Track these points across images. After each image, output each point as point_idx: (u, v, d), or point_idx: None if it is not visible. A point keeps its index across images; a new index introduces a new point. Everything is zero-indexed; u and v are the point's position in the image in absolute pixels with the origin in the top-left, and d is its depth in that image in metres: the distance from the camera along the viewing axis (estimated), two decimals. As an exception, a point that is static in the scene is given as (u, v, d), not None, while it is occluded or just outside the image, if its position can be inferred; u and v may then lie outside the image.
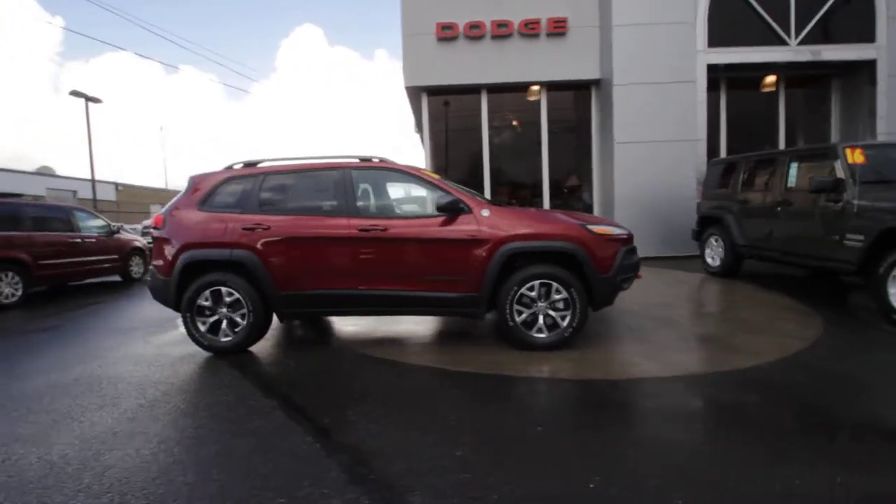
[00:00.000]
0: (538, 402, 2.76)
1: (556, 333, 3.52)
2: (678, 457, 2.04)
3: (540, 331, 3.55)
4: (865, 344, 3.58)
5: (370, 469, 1.99)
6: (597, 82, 8.85)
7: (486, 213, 3.56)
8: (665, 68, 8.13)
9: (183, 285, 3.71)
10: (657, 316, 4.51)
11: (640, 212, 8.12)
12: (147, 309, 5.66)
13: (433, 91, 9.01)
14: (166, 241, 3.80)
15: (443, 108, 9.32)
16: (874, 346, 3.51)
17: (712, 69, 8.40)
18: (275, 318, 3.83)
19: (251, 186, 3.81)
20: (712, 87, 8.60)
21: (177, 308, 3.80)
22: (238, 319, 3.69)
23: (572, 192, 9.95)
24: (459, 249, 3.52)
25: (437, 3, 8.53)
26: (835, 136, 9.07)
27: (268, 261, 3.62)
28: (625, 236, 3.69)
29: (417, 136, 16.40)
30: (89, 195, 18.82)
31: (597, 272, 3.49)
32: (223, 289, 3.66)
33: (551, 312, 3.53)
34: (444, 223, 3.55)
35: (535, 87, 9.12)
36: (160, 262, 3.84)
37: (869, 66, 8.23)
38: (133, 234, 9.61)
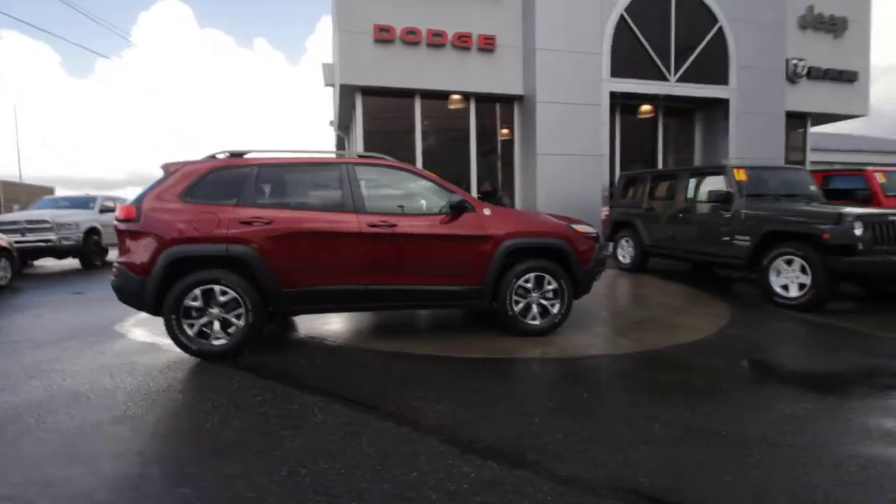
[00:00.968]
0: (568, 377, 3.14)
1: (547, 320, 3.96)
2: (681, 401, 2.58)
3: (534, 318, 3.96)
4: (764, 318, 4.66)
5: (472, 440, 2.17)
6: (520, 98, 9.69)
7: (487, 212, 3.86)
8: (579, 91, 9.26)
9: (165, 284, 3.36)
10: (602, 304, 5.25)
11: (559, 216, 9.09)
12: (48, 320, 4.83)
13: (368, 91, 9.00)
14: (141, 234, 3.40)
15: (376, 108, 9.34)
16: (771, 319, 4.59)
17: (613, 95, 9.77)
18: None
19: (245, 178, 3.60)
20: (612, 110, 10.00)
21: (154, 311, 3.42)
22: (233, 320, 3.46)
23: (487, 197, 10.67)
24: (466, 246, 3.77)
25: (374, 3, 8.57)
26: (698, 159, 11.15)
27: (270, 257, 3.46)
28: (596, 234, 4.28)
29: (332, 130, 15.97)
30: None
31: (579, 265, 4.01)
32: (216, 287, 3.40)
33: (543, 301, 3.96)
34: (450, 220, 3.77)
35: (456, 97, 9.60)
36: (132, 260, 3.41)
37: (724, 104, 10.33)
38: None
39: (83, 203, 10.20)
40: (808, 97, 11.43)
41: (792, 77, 11.01)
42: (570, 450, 2.09)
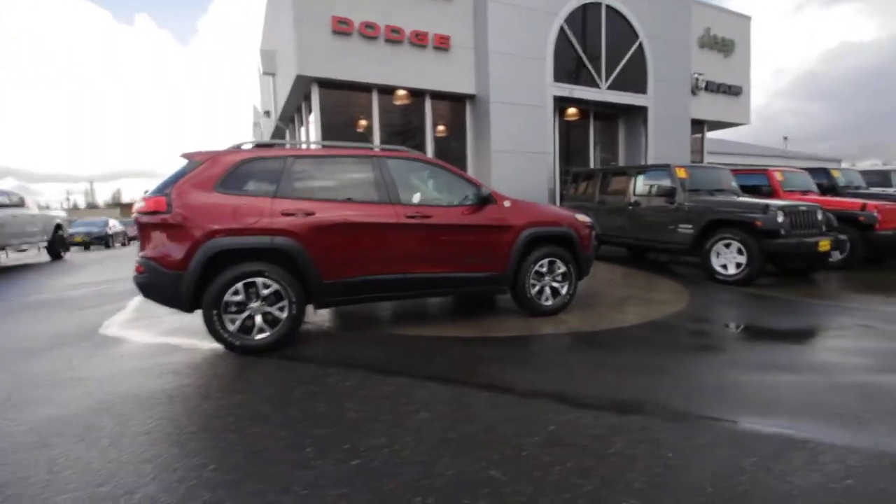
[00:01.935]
0: (605, 345, 3.56)
1: (559, 300, 4.41)
2: (691, 360, 3.17)
3: (547, 299, 4.38)
4: (714, 292, 5.57)
5: (575, 398, 2.49)
6: (472, 97, 10.11)
7: (507, 203, 4.19)
8: (527, 93, 9.93)
9: (204, 279, 3.21)
10: (583, 288, 5.86)
11: (513, 210, 9.70)
12: (23, 326, 4.25)
13: (325, 84, 8.80)
14: (174, 227, 3.21)
15: (334, 101, 9.16)
16: (719, 293, 5.51)
17: (555, 99, 10.60)
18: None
19: (279, 169, 3.53)
20: (554, 112, 10.85)
21: (189, 307, 3.26)
22: (276, 313, 3.40)
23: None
24: (492, 235, 4.07)
25: (331, -6, 8.41)
26: (622, 158, 12.49)
27: (313, 248, 3.46)
28: (592, 224, 4.81)
29: (266, 118, 15.03)
30: None
31: (583, 250, 4.51)
32: (259, 280, 3.32)
33: (554, 284, 4.40)
34: (476, 211, 4.04)
35: (407, 93, 9.76)
36: (163, 254, 3.21)
37: (643, 110, 11.71)
38: None
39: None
40: (705, 107, 13.37)
41: (694, 89, 12.79)
42: (655, 397, 2.51)
